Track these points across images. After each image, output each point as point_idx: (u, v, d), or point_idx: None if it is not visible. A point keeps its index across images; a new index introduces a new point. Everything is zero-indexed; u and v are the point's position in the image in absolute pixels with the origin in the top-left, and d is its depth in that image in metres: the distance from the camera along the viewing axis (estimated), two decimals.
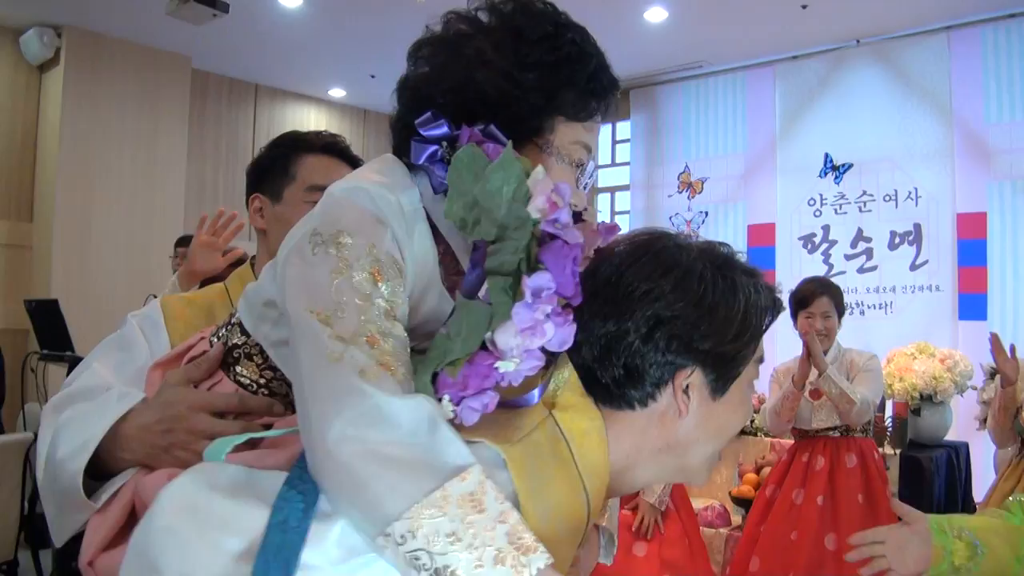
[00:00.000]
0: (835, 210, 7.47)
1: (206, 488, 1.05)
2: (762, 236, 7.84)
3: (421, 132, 1.30)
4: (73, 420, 1.36)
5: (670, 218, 8.36)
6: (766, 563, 4.14)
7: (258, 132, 8.69)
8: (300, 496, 1.04)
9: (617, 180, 9.02)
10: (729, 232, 8.03)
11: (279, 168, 2.02)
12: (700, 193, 8.24)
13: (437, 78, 1.35)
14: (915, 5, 6.63)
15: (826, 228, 7.48)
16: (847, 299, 7.23)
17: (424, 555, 0.95)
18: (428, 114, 1.30)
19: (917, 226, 7.04)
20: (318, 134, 2.04)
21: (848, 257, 7.38)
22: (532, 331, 1.12)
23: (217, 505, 1.03)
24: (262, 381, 1.38)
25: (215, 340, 1.43)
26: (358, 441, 1.01)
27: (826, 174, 7.53)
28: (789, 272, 7.11)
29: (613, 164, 9.08)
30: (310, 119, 9.18)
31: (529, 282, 1.13)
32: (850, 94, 7.41)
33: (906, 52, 7.14)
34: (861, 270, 7.29)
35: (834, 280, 7.28)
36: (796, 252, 7.62)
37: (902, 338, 6.11)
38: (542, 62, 1.34)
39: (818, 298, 4.27)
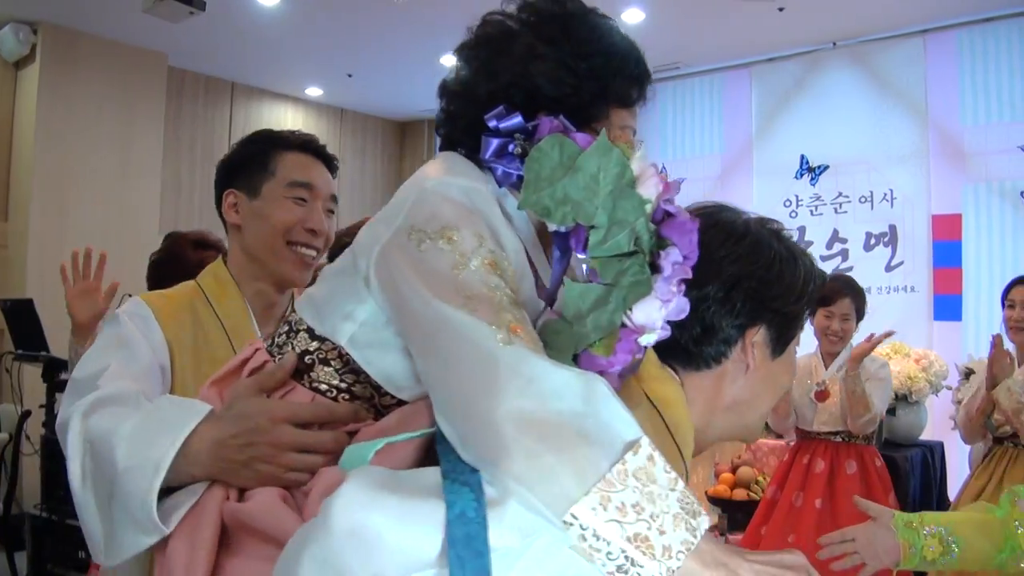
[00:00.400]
0: (811, 211, 7.52)
1: (377, 489, 1.04)
2: None
3: (491, 126, 1.30)
4: (134, 434, 1.31)
5: None
6: None
7: (234, 131, 8.64)
8: (467, 488, 1.04)
9: None
10: None
11: (256, 164, 1.98)
12: (677, 194, 8.25)
13: (489, 76, 1.39)
14: (891, 8, 6.68)
15: (802, 229, 7.53)
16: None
17: (615, 526, 0.98)
18: (501, 108, 1.30)
19: (892, 227, 7.10)
20: (292, 132, 2.06)
21: (824, 258, 7.42)
22: (668, 303, 1.19)
23: (395, 504, 1.03)
24: (343, 386, 1.32)
25: (276, 349, 1.40)
26: (532, 422, 1.02)
27: (802, 175, 7.58)
28: None
29: None
30: (287, 118, 9.15)
31: (667, 258, 1.20)
32: (826, 96, 7.47)
33: (882, 55, 7.20)
34: (837, 271, 7.34)
35: None
36: None
37: None
38: (596, 51, 1.37)
39: (841, 299, 4.14)
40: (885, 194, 7.12)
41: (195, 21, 6.63)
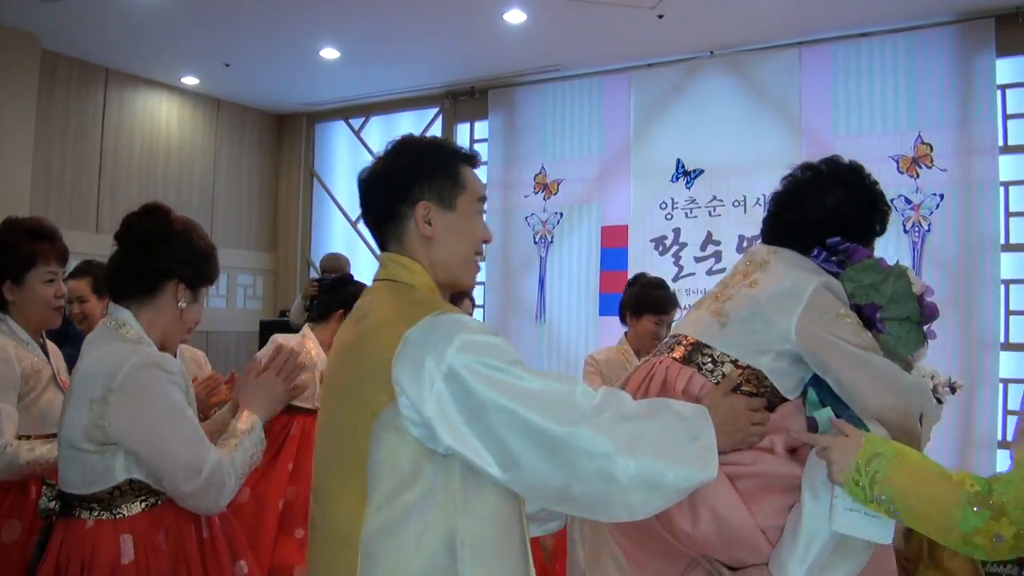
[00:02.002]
0: (686, 214, 7.66)
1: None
2: (615, 237, 7.97)
3: (828, 244, 2.35)
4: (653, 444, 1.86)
5: (526, 218, 8.42)
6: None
7: (108, 119, 8.39)
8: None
9: None
10: (583, 233, 8.15)
11: (448, 177, 2.03)
12: (556, 194, 8.33)
13: (815, 208, 2.42)
14: (768, 20, 6.85)
15: (677, 231, 7.66)
16: (696, 299, 7.44)
17: None
18: (838, 238, 2.35)
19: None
20: (470, 148, 2.20)
21: (697, 259, 7.57)
22: (926, 348, 2.38)
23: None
24: (745, 390, 2.26)
25: (696, 368, 2.33)
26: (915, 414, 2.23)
27: (678, 179, 7.71)
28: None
29: None
30: (162, 107, 8.92)
31: (930, 323, 2.35)
32: (703, 103, 7.61)
33: (758, 65, 7.38)
34: (710, 272, 7.49)
35: (684, 280, 7.52)
36: (648, 253, 7.77)
37: None
38: (873, 199, 2.47)
39: (673, 309, 4.61)
40: (758, 198, 7.29)
41: (69, 2, 6.44)
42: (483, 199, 2.13)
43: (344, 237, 9.75)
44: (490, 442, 1.75)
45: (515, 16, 6.89)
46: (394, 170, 2.02)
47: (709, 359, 2.28)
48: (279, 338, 4.57)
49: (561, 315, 8.22)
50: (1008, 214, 6.53)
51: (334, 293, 4.70)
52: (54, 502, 2.36)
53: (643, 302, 4.60)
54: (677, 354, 2.35)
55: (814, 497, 2.03)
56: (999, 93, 6.54)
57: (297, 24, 7.16)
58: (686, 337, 2.37)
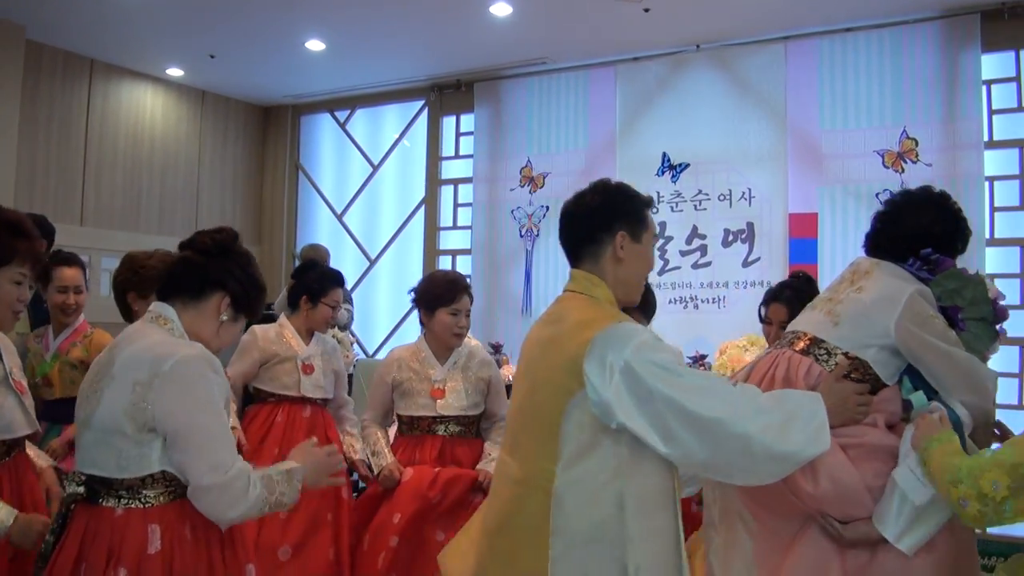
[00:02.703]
0: (672, 207, 7.67)
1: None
2: None
3: (921, 255, 2.82)
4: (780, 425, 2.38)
5: (512, 211, 8.42)
6: None
7: (92, 110, 8.35)
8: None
9: (460, 172, 9.02)
10: None
11: (640, 216, 2.61)
12: (542, 188, 8.33)
13: (912, 225, 2.91)
14: (754, 14, 6.86)
15: (663, 225, 7.66)
16: (681, 293, 7.48)
17: None
18: (929, 250, 2.82)
19: (750, 225, 7.29)
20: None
21: (683, 253, 7.58)
22: (997, 344, 2.85)
23: None
24: (854, 377, 2.69)
25: (814, 358, 2.80)
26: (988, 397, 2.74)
27: (664, 173, 7.72)
28: None
29: (456, 156, 9.10)
30: (147, 98, 8.88)
31: (1001, 323, 2.81)
32: (689, 97, 7.62)
33: (744, 59, 7.38)
34: (695, 265, 7.50)
35: (669, 274, 7.53)
36: None
37: (734, 331, 6.41)
38: (957, 221, 2.94)
39: (631, 314, 4.39)
40: (744, 192, 7.31)
41: None
42: (656, 237, 2.82)
43: (329, 229, 9.72)
44: (655, 422, 2.30)
45: (501, 9, 6.88)
46: (601, 205, 2.59)
47: (824, 351, 2.78)
48: (257, 329, 4.76)
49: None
50: (993, 209, 6.56)
51: (298, 280, 4.89)
52: (82, 487, 2.31)
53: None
54: (798, 347, 2.86)
55: (906, 464, 2.52)
56: (984, 89, 6.56)
57: (282, 16, 7.14)
58: (805, 334, 2.89)
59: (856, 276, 2.93)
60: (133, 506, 2.27)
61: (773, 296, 4.17)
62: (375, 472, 4.29)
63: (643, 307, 4.46)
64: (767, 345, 4.21)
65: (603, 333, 2.36)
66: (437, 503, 4.09)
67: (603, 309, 2.52)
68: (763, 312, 4.24)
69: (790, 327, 3.03)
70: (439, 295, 4.32)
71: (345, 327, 7.68)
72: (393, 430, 4.61)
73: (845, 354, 2.75)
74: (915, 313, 2.69)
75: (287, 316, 4.88)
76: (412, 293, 4.47)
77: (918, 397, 2.68)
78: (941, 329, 2.69)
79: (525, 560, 2.38)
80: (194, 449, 2.27)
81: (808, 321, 2.94)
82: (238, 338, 2.64)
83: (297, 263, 9.10)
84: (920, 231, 2.89)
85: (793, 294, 4.11)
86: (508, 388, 6.42)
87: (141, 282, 3.54)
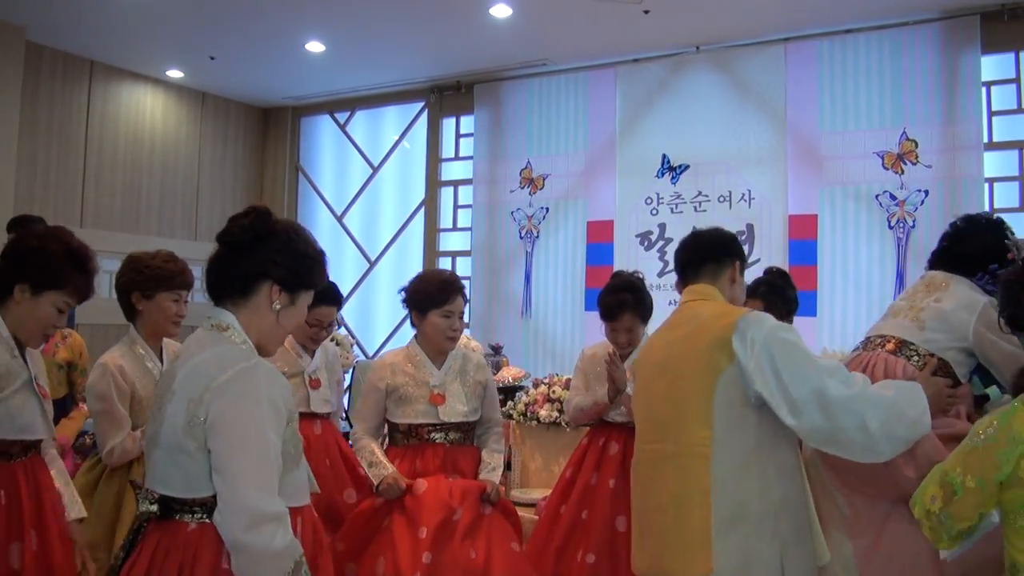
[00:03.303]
0: (671, 209, 7.67)
1: None
2: (601, 233, 7.98)
3: (990, 270, 3.26)
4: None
5: (512, 213, 8.42)
6: (563, 541, 4.30)
7: (92, 111, 8.34)
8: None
9: (460, 174, 9.03)
10: (569, 228, 8.15)
11: (743, 256, 3.27)
12: (541, 189, 8.33)
13: (977, 249, 3.37)
14: (754, 16, 6.86)
15: (662, 226, 7.67)
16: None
17: None
18: (996, 265, 3.23)
19: (750, 226, 7.29)
20: None
21: None
22: None
23: None
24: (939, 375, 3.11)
25: (906, 359, 3.24)
26: None
27: (663, 174, 7.72)
28: (626, 267, 7.14)
29: (456, 158, 9.10)
30: (147, 100, 8.88)
31: None
32: (688, 98, 7.62)
33: (744, 61, 7.38)
34: None
35: (669, 276, 7.51)
36: (633, 249, 7.78)
37: None
38: (1014, 244, 3.32)
39: (622, 315, 4.41)
40: (743, 194, 7.31)
41: None
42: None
43: (329, 231, 9.71)
44: (784, 394, 2.67)
45: (501, 10, 6.88)
46: (725, 236, 3.26)
47: (914, 352, 3.23)
48: None
49: (547, 310, 8.22)
50: (993, 210, 6.54)
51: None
52: (155, 505, 2.24)
53: None
54: (888, 348, 3.31)
55: None
56: (984, 90, 6.56)
57: (282, 17, 7.14)
58: (893, 337, 3.34)
59: (932, 288, 3.41)
60: (207, 520, 2.20)
61: (750, 292, 4.15)
62: (375, 484, 3.88)
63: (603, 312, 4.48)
64: None
65: (745, 316, 2.81)
66: (459, 516, 3.78)
67: (732, 305, 3.07)
68: None
69: (874, 331, 3.51)
70: (431, 296, 4.03)
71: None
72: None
73: (931, 355, 3.20)
74: (988, 320, 3.12)
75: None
76: (402, 293, 4.18)
77: (994, 391, 3.12)
78: (1007, 335, 2.95)
79: (694, 520, 2.75)
80: (228, 478, 2.14)
81: (895, 326, 3.39)
82: (298, 318, 2.51)
83: None
84: (982, 250, 3.39)
85: (768, 289, 4.22)
86: (506, 390, 6.47)
87: (144, 282, 3.54)
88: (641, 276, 4.67)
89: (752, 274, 7.08)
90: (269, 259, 2.39)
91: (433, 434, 4.04)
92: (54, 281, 2.88)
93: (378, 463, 3.95)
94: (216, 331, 2.36)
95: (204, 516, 2.20)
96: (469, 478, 4.01)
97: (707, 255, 3.17)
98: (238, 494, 2.12)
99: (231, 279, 2.40)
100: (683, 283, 3.21)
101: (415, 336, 4.20)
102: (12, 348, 2.90)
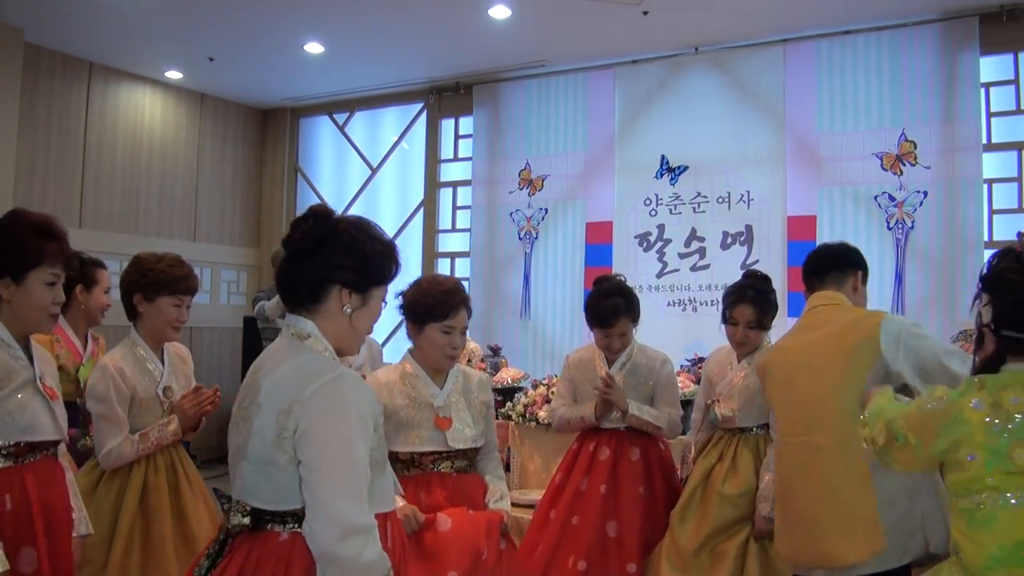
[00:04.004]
0: (670, 210, 7.67)
1: None
2: (600, 234, 7.98)
3: None
4: None
5: (511, 214, 8.42)
6: (552, 547, 4.23)
7: (91, 112, 8.35)
8: None
9: (459, 175, 9.03)
10: (568, 229, 8.16)
11: (857, 265, 3.54)
12: (540, 190, 8.33)
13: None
14: (753, 17, 6.87)
15: (661, 227, 7.67)
16: (680, 296, 7.47)
17: None
18: None
19: (749, 227, 7.29)
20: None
21: (682, 255, 7.58)
22: None
23: None
24: None
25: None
26: None
27: (662, 175, 7.72)
28: (625, 269, 7.23)
29: (455, 159, 9.10)
30: (145, 101, 8.88)
31: None
32: (687, 99, 7.63)
33: (742, 62, 7.39)
34: (694, 268, 7.50)
35: (668, 277, 7.52)
36: (632, 250, 7.79)
37: None
38: None
39: (617, 321, 4.25)
40: (742, 195, 7.31)
41: None
42: None
43: None
44: (920, 372, 3.03)
45: (500, 11, 6.88)
46: (851, 250, 3.54)
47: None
48: None
49: (546, 311, 8.22)
50: (992, 211, 6.57)
51: None
52: (247, 517, 2.19)
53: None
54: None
55: None
56: (983, 91, 6.57)
57: (281, 18, 7.14)
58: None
59: None
60: (298, 530, 2.15)
61: (738, 297, 4.18)
62: None
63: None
64: (735, 346, 4.31)
65: (887, 317, 3.17)
66: (486, 555, 3.36)
67: (865, 310, 3.42)
68: (727, 313, 4.24)
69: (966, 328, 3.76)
70: (429, 308, 3.47)
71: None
72: None
73: None
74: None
75: None
76: (399, 299, 3.59)
77: None
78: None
79: (859, 505, 3.06)
80: (319, 490, 2.10)
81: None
82: (375, 318, 2.46)
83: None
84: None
85: (755, 294, 4.18)
86: (505, 391, 6.46)
87: (148, 285, 3.51)
88: (623, 278, 4.51)
89: None
90: (333, 263, 2.31)
91: (440, 463, 3.51)
92: (31, 259, 2.79)
93: None
94: (297, 340, 2.31)
95: (295, 526, 2.16)
96: (480, 509, 3.54)
97: (832, 264, 3.48)
98: (328, 506, 2.09)
99: (300, 286, 2.33)
100: (809, 290, 3.52)
101: (410, 350, 3.64)
102: (11, 347, 2.83)
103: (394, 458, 3.36)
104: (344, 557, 2.07)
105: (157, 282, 3.54)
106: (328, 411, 2.14)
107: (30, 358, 2.90)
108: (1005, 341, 2.35)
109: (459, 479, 3.52)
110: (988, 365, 2.40)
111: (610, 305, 4.24)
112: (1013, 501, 2.22)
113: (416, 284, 3.60)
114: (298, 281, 2.32)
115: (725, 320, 4.24)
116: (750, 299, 4.15)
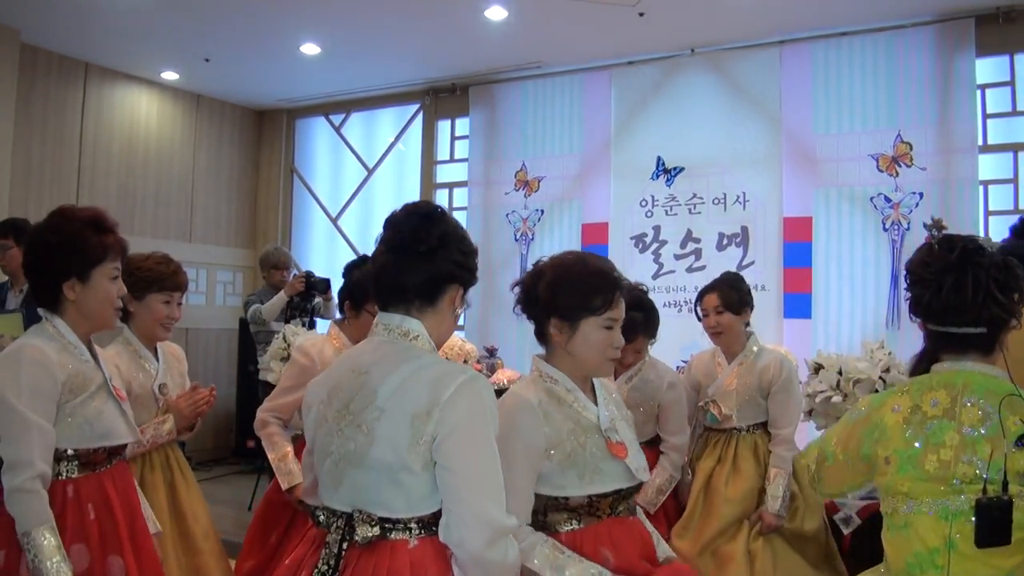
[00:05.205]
0: (666, 211, 7.67)
1: None
2: (595, 235, 7.97)
3: None
4: None
5: (507, 215, 8.41)
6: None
7: (87, 113, 8.34)
8: None
9: (455, 176, 9.02)
10: (564, 230, 8.15)
11: None
12: (536, 191, 8.32)
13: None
14: (749, 19, 6.87)
15: (657, 228, 7.67)
16: (675, 297, 7.47)
17: None
18: None
19: (744, 228, 7.30)
20: None
21: (677, 257, 7.58)
22: None
23: None
24: None
25: None
26: None
27: (658, 176, 7.72)
28: (621, 270, 7.12)
29: (451, 160, 9.09)
30: (141, 102, 8.87)
31: None
32: (683, 101, 7.62)
33: (738, 63, 7.39)
34: (690, 269, 7.50)
35: (664, 278, 7.51)
36: (628, 251, 7.78)
37: None
38: None
39: (634, 338, 4.06)
40: (738, 196, 7.31)
41: None
42: None
43: (324, 233, 9.71)
44: None
45: (496, 13, 6.88)
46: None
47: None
48: (310, 348, 4.01)
49: None
50: (987, 213, 6.57)
51: (359, 285, 4.03)
52: (376, 527, 2.10)
53: None
54: None
55: None
56: (979, 93, 6.58)
57: (278, 19, 7.13)
58: None
59: None
60: (424, 536, 2.11)
61: (704, 290, 4.32)
62: None
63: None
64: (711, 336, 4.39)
65: None
66: None
67: None
68: (696, 308, 4.37)
69: None
70: (585, 295, 2.61)
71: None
72: None
73: None
74: None
75: (337, 325, 4.17)
76: (518, 289, 2.78)
77: None
78: None
79: None
80: (468, 493, 2.05)
81: None
82: (457, 318, 2.38)
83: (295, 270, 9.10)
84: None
85: (718, 282, 4.33)
86: (501, 392, 6.45)
87: (136, 284, 3.50)
88: (645, 288, 4.27)
89: (748, 276, 7.13)
90: (455, 262, 2.28)
91: (618, 504, 2.55)
92: (95, 257, 2.82)
93: None
94: (403, 339, 2.23)
95: (421, 532, 2.11)
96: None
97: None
98: (479, 510, 2.04)
99: (413, 285, 2.24)
100: None
101: (542, 357, 2.71)
102: (81, 352, 2.79)
103: (560, 506, 2.49)
104: (494, 561, 2.05)
105: (145, 279, 3.55)
106: (472, 413, 2.10)
107: (96, 360, 2.87)
108: (935, 337, 2.36)
109: (638, 525, 2.66)
110: (920, 363, 2.41)
111: (627, 321, 3.62)
112: (926, 510, 2.23)
113: (557, 267, 2.69)
114: (411, 279, 2.25)
115: (699, 318, 4.35)
116: (712, 286, 4.28)
